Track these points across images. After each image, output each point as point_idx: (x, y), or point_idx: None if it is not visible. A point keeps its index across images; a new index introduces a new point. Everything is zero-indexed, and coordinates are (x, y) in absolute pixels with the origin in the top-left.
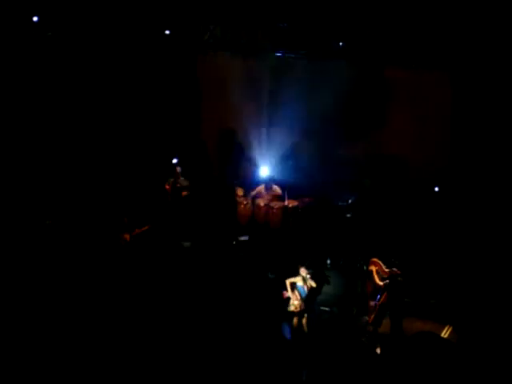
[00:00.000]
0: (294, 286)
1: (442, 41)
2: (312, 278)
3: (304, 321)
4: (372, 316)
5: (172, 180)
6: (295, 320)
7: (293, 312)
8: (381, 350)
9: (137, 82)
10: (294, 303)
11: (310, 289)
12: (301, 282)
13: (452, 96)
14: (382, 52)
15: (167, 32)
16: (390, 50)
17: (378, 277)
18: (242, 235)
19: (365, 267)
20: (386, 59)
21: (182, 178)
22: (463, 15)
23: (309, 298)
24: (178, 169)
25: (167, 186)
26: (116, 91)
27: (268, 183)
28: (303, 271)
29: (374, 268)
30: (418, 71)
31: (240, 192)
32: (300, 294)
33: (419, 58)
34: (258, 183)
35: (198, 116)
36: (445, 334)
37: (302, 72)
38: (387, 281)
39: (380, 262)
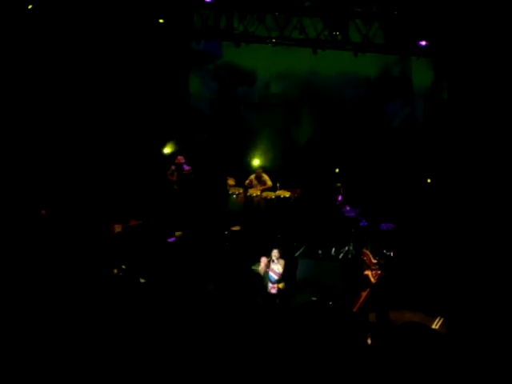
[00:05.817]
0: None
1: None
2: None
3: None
4: (357, 305)
5: (175, 169)
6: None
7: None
8: (371, 340)
9: (128, 75)
10: (269, 285)
11: (283, 268)
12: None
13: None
14: None
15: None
16: None
17: (366, 268)
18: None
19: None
20: None
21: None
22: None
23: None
24: (181, 158)
25: (170, 177)
26: (108, 86)
27: (258, 173)
28: (274, 253)
29: (363, 258)
30: None
31: (232, 182)
32: (269, 278)
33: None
34: (249, 173)
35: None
36: (435, 325)
37: None
38: (378, 271)
39: (369, 253)
